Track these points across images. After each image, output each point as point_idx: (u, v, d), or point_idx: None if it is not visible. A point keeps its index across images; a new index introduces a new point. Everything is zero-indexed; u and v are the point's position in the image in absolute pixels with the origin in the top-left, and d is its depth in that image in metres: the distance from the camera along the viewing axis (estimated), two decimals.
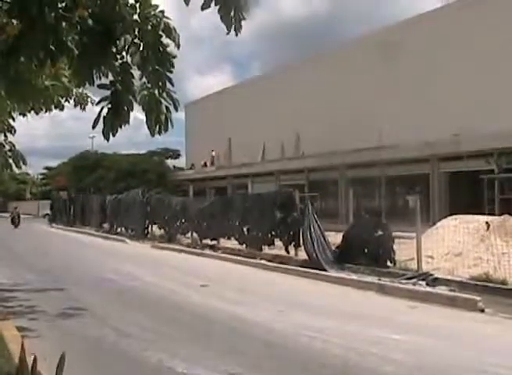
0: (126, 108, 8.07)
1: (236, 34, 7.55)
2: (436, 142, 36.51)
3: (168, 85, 8.15)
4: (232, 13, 7.43)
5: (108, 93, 8.15)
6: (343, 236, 21.91)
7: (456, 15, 39.08)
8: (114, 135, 8.18)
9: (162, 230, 37.25)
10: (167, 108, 8.20)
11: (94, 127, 8.19)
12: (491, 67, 36.26)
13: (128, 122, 8.19)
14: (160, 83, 8.06)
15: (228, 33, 7.53)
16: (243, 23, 7.57)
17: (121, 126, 8.16)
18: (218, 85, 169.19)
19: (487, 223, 20.63)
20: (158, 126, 8.19)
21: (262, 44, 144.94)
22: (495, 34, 35.91)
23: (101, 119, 8.07)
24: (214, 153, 68.08)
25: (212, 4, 7.38)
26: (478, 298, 14.50)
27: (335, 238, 23.05)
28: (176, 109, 8.34)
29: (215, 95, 71.92)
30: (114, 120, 8.05)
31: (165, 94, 8.16)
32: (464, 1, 39.53)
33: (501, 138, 32.39)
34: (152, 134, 8.28)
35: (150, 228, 39.65)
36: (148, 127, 8.19)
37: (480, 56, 36.80)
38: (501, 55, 35.58)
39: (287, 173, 52.26)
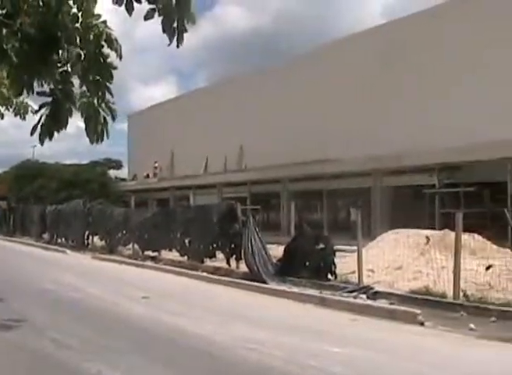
0: (65, 116, 7.99)
1: (178, 46, 7.51)
2: (379, 157, 36.82)
3: (108, 95, 8.09)
4: (175, 24, 7.39)
5: (47, 99, 8.04)
6: (285, 249, 21.93)
7: (395, 34, 39.51)
8: (50, 139, 8.08)
9: (104, 241, 36.93)
10: (104, 118, 8.14)
11: (32, 134, 8.08)
12: (430, 85, 36.71)
13: (65, 127, 8.10)
14: (99, 93, 7.99)
15: (169, 45, 7.49)
16: (187, 34, 7.54)
17: (58, 131, 8.06)
18: (163, 96, 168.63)
19: (427, 237, 20.87)
20: (96, 135, 8.13)
21: (208, 55, 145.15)
22: (434, 49, 36.39)
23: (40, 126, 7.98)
24: (157, 164, 67.73)
25: (156, 14, 7.34)
26: (418, 312, 14.61)
27: (276, 251, 23.07)
28: (113, 120, 8.29)
29: (158, 106, 71.57)
30: (52, 127, 7.95)
31: (103, 105, 8.09)
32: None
33: (440, 153, 32.82)
34: (91, 142, 8.21)
35: (91, 239, 39.27)
36: (87, 135, 8.12)
37: (422, 74, 37.22)
38: (441, 71, 36.04)
39: (230, 186, 52.22)
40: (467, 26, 34.69)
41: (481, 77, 33.56)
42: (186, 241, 27.96)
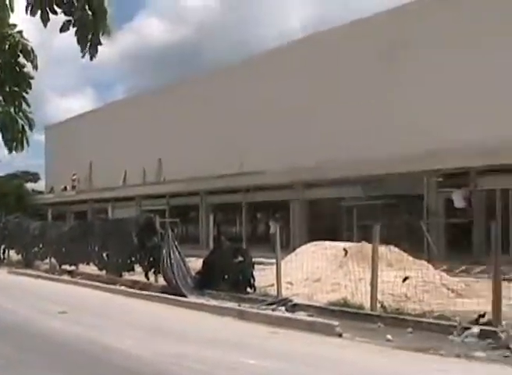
0: None
1: (91, 58, 7.38)
2: (298, 169, 37.09)
3: (24, 105, 7.96)
4: (89, 37, 7.27)
5: None
6: (203, 262, 21.88)
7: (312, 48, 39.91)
8: None
9: (20, 256, 36.27)
10: (23, 127, 8.01)
11: None
12: (347, 99, 37.13)
13: None
14: (16, 103, 7.85)
15: (83, 57, 7.36)
16: (105, 46, 7.44)
17: None
18: (81, 108, 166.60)
19: (345, 249, 21.07)
20: (14, 145, 7.99)
21: (127, 67, 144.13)
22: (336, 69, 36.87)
23: None
24: (75, 177, 66.95)
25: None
26: (336, 323, 14.70)
27: (196, 264, 23.00)
28: (31, 129, 8.15)
29: (76, 118, 70.80)
30: None
31: (21, 114, 7.96)
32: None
33: (358, 166, 33.25)
34: (10, 150, 8.07)
35: (7, 253, 38.52)
36: (5, 144, 7.98)
37: (341, 87, 37.62)
38: (359, 83, 36.49)
39: (148, 198, 51.97)
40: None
41: (391, 92, 34.09)
42: (105, 254, 27.64)
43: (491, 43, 29.96)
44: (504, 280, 15.51)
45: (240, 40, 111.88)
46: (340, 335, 14.32)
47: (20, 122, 8.01)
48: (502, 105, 29.01)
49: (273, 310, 17.34)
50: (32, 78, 7.94)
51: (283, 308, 17.47)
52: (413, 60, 33.71)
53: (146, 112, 55.74)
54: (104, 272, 27.22)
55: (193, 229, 48.91)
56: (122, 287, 23.90)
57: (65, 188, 67.87)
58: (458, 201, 30.82)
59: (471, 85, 30.85)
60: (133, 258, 25.35)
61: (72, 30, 7.25)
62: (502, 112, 28.77)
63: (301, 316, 16.52)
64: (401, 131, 32.66)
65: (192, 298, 20.20)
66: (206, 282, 21.08)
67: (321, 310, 16.92)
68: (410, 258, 21.18)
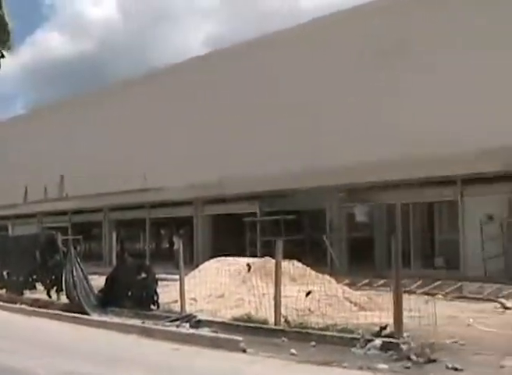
0: None
1: None
2: (200, 185, 37.09)
3: None
4: None
5: None
6: (106, 279, 21.62)
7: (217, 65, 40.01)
8: None
9: None
10: None
11: None
12: (244, 117, 37.23)
13: None
14: None
15: None
16: (5, 59, 7.34)
17: None
18: None
19: (248, 264, 21.15)
20: None
21: (27, 82, 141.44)
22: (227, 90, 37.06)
23: None
24: None
25: None
26: (240, 339, 14.71)
27: (98, 281, 22.70)
28: None
29: None
30: None
31: None
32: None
33: (260, 182, 33.45)
34: None
35: None
36: None
37: (234, 106, 37.75)
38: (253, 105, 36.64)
39: (50, 215, 51.11)
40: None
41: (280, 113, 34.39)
42: (5, 273, 27.01)
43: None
44: (405, 292, 15.84)
45: (142, 55, 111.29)
46: (244, 350, 14.33)
47: None
48: (401, 123, 29.59)
49: (177, 327, 17.26)
50: None
51: (187, 324, 17.40)
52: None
53: (46, 128, 54.67)
54: (4, 291, 26.58)
55: (97, 246, 48.36)
56: (23, 306, 23.38)
57: None
58: (360, 216, 31.32)
59: (362, 107, 31.45)
60: (35, 276, 24.88)
61: None
62: (400, 130, 29.36)
63: (205, 332, 16.48)
64: (304, 147, 32.95)
65: (95, 316, 19.94)
66: (109, 299, 20.84)
67: (225, 326, 16.91)
68: (314, 273, 21.36)
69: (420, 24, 30.04)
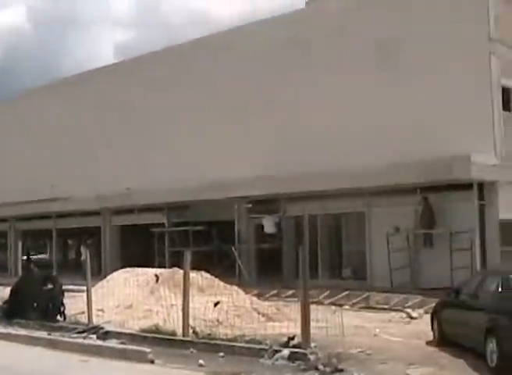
0: None
1: None
2: (108, 195, 36.72)
3: None
4: None
5: None
6: (11, 290, 21.19)
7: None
8: None
9: None
10: None
11: None
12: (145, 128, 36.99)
13: None
14: None
15: None
16: None
17: None
18: None
19: (156, 275, 21.04)
20: None
21: None
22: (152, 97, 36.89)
23: None
24: None
25: None
26: (148, 350, 14.61)
27: (3, 293, 22.25)
28: None
29: None
30: None
31: None
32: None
33: (169, 193, 33.32)
34: None
35: None
36: None
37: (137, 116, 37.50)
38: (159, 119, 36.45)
39: None
40: None
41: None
42: None
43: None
44: (313, 303, 16.00)
45: (50, 62, 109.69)
46: (152, 362, 14.25)
47: None
48: (308, 135, 29.92)
49: (84, 338, 17.04)
50: None
51: (94, 336, 17.20)
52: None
53: None
54: None
55: (2, 256, 47.26)
56: None
57: None
58: (268, 227, 31.46)
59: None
60: None
61: None
62: (308, 142, 29.68)
63: (113, 343, 16.33)
64: (211, 159, 32.99)
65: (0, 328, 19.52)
66: (14, 311, 20.42)
67: (133, 337, 16.79)
68: (222, 284, 21.39)
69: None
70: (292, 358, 13.81)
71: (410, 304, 23.46)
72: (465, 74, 25.99)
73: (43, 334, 17.90)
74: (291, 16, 32.32)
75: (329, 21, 30.40)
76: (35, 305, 20.12)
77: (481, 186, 25.62)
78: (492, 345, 13.26)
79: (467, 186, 25.54)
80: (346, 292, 26.04)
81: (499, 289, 14.03)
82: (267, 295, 26.52)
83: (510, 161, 26.12)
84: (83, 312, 19.17)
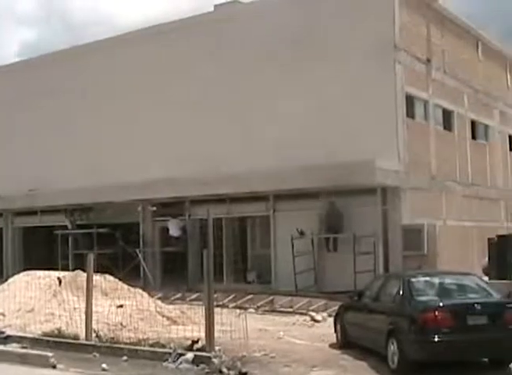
0: None
1: None
2: (9, 196, 35.99)
3: None
4: None
5: None
6: None
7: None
8: None
9: None
10: None
11: None
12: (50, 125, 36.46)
13: None
14: None
15: None
16: None
17: None
18: None
19: (59, 278, 20.69)
20: None
21: None
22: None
23: None
24: None
25: None
26: (50, 354, 14.36)
27: None
28: None
29: None
30: None
31: None
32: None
33: (72, 194, 32.84)
34: None
35: None
36: None
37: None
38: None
39: None
40: None
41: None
42: None
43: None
44: (218, 306, 16.06)
45: None
46: (54, 366, 14.03)
47: None
48: (206, 141, 30.07)
49: None
50: None
51: None
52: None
53: None
54: None
55: None
56: None
57: None
58: (173, 230, 31.34)
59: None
60: None
61: None
62: (208, 147, 29.81)
63: (14, 347, 15.97)
64: (117, 161, 32.72)
65: None
66: None
67: (35, 341, 16.48)
68: (126, 287, 21.16)
69: None
70: (196, 361, 13.80)
71: (314, 307, 23.70)
72: (370, 81, 26.48)
73: None
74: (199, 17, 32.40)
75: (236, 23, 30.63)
76: None
77: (384, 191, 26.13)
78: (393, 347, 13.57)
79: (371, 191, 26.02)
80: (251, 296, 26.16)
81: (400, 292, 14.34)
82: (172, 298, 26.43)
83: (412, 167, 26.75)
84: None
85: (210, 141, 30.04)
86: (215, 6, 33.47)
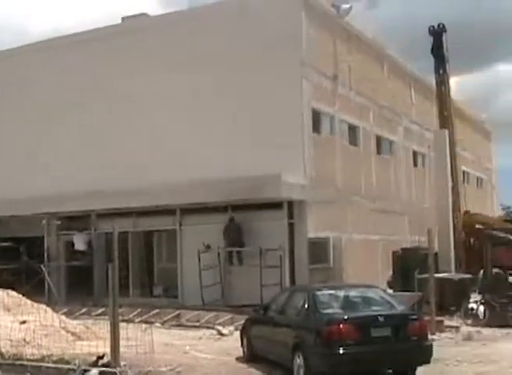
0: None
1: None
2: None
3: None
4: None
5: None
6: None
7: None
8: None
9: None
10: None
11: None
12: None
13: None
14: None
15: None
16: None
17: None
18: None
19: None
20: None
21: None
22: None
23: None
24: None
25: None
26: None
27: None
28: None
29: None
30: None
31: None
32: None
33: None
34: None
35: None
36: None
37: None
38: None
39: None
40: None
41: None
42: None
43: None
44: (123, 321, 15.88)
45: None
46: None
47: None
48: (122, 154, 29.81)
49: None
50: None
51: None
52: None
53: None
54: None
55: None
56: None
57: None
58: (79, 244, 30.95)
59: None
60: None
61: None
62: (120, 160, 29.55)
63: None
64: (32, 173, 32.10)
65: None
66: None
67: None
68: (30, 302, 20.77)
69: None
70: None
71: (220, 321, 23.70)
72: (278, 96, 26.70)
73: None
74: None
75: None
76: None
77: (291, 205, 26.37)
78: (299, 361, 13.67)
79: (277, 205, 26.23)
80: (158, 310, 25.99)
81: (305, 306, 14.46)
82: (77, 313, 26.05)
83: (319, 181, 27.07)
84: None
85: (116, 154, 29.80)
86: (123, 19, 33.26)
